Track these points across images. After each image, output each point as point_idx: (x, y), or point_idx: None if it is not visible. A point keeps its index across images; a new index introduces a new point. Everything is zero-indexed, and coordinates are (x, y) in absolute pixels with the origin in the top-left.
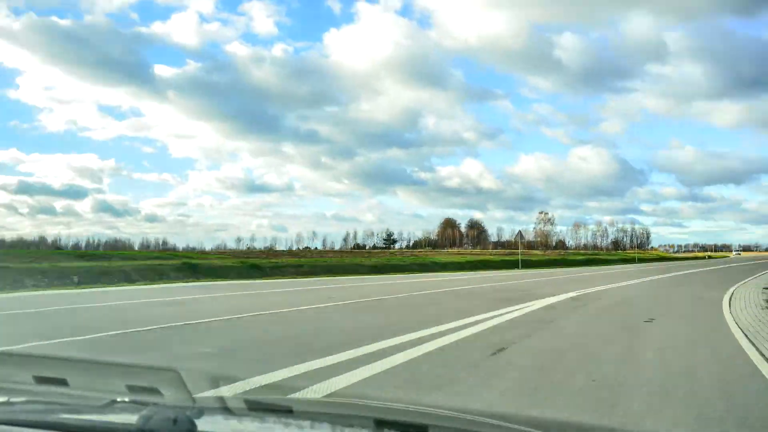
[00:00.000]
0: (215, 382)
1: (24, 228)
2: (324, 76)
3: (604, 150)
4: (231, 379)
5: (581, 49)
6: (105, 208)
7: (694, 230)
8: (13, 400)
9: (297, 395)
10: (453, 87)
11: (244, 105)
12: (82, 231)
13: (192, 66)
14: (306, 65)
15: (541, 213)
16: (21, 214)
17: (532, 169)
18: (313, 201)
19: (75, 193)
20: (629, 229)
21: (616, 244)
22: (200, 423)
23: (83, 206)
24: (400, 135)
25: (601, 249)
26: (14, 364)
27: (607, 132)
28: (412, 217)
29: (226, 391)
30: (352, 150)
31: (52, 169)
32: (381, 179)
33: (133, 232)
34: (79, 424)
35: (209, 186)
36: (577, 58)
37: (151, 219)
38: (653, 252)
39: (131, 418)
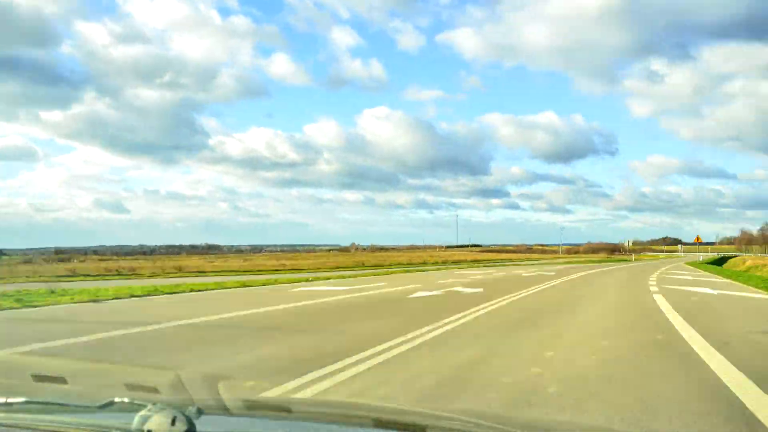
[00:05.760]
0: (214, 382)
1: None
2: None
3: None
4: (229, 379)
5: None
6: None
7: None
8: (11, 400)
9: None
10: None
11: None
12: None
13: None
14: None
15: None
16: None
17: None
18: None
19: None
20: None
21: None
22: (199, 423)
23: None
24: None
25: None
26: (14, 363)
27: None
28: None
29: (224, 391)
30: None
31: None
32: None
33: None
34: (77, 423)
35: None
36: None
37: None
38: None
39: (130, 418)
